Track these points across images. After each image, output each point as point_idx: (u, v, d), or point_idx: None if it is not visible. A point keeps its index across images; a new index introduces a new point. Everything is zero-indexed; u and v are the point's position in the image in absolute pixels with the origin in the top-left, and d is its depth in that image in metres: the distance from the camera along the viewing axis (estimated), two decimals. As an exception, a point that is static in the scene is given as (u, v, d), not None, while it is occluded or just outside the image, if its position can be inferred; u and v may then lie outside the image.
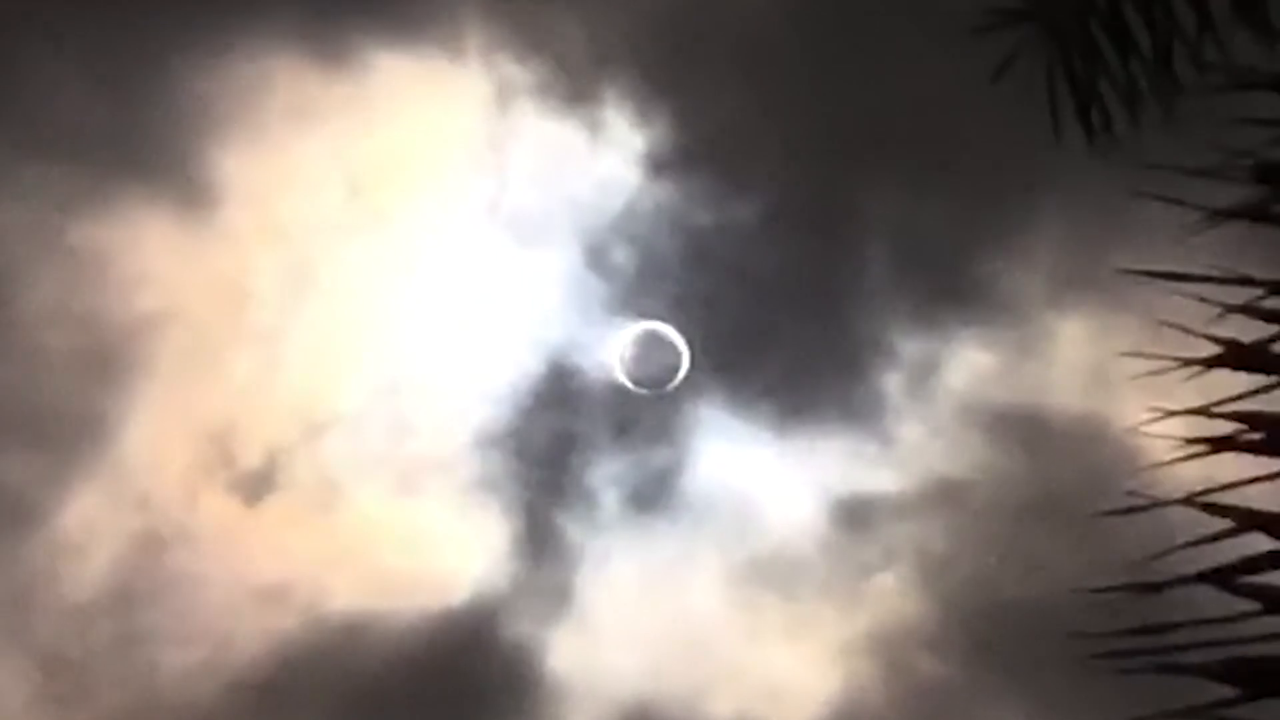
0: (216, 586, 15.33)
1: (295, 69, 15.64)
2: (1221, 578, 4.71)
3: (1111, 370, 14.94)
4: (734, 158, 15.44)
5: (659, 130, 15.69)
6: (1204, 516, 4.93)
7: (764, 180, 15.38)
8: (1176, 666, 4.63)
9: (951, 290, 15.35)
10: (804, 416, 15.50)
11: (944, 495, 15.24)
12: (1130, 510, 4.90)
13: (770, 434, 15.60)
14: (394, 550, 15.47)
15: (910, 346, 15.48)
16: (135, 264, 15.62)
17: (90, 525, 15.33)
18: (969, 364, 15.44)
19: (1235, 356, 4.96)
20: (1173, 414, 4.99)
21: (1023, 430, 15.20)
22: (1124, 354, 4.95)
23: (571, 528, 15.60)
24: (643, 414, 15.70)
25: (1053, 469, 14.98)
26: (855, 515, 15.43)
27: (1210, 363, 5.02)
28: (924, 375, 15.48)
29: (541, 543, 15.62)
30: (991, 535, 15.00)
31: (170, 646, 15.20)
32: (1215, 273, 4.94)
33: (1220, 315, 4.99)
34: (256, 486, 15.63)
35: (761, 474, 15.63)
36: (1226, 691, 4.65)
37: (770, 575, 15.43)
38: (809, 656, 15.28)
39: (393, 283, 15.90)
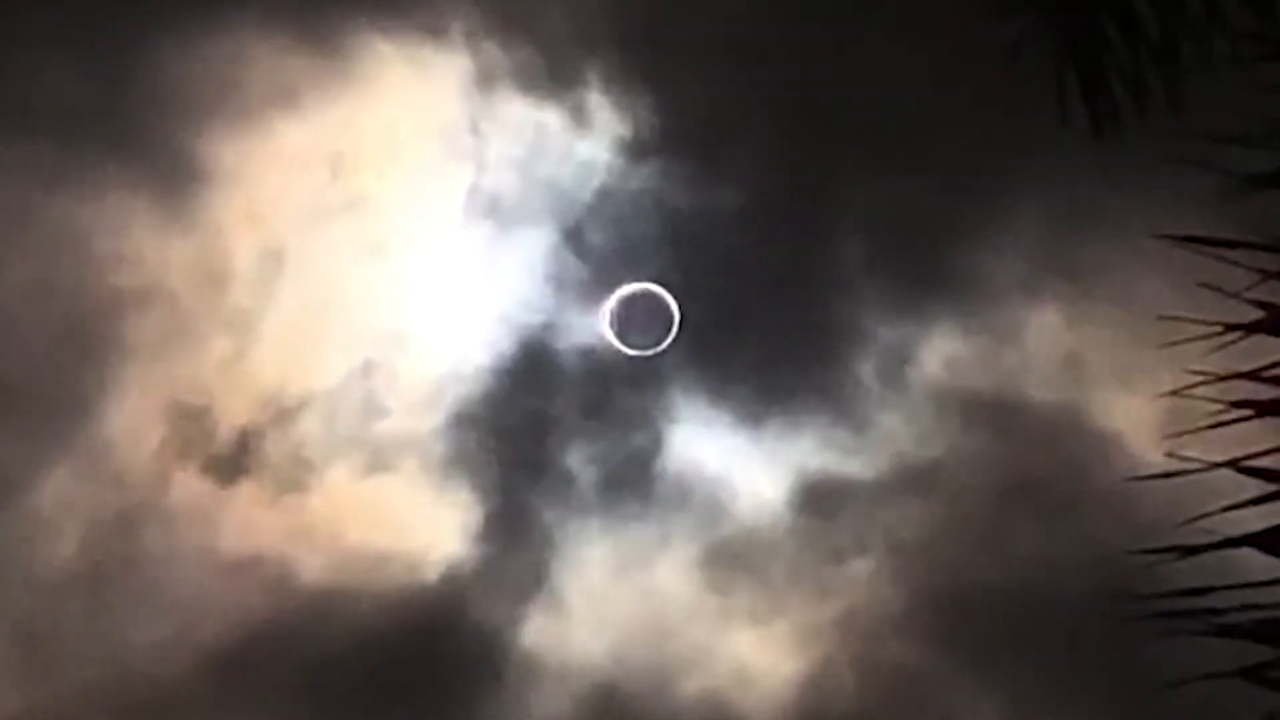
0: (188, 563, 15.32)
1: (277, 51, 15.59)
2: (1262, 540, 4.65)
3: (1087, 357, 14.97)
4: (714, 143, 15.47)
5: (640, 115, 15.69)
6: (1193, 493, 4.89)
7: (744, 166, 15.40)
8: (1222, 628, 4.57)
9: (928, 277, 15.37)
10: (779, 401, 15.50)
11: (918, 481, 15.27)
12: (1168, 475, 4.82)
13: (745, 418, 15.60)
14: (367, 529, 15.46)
15: (886, 333, 15.50)
16: (115, 243, 15.56)
17: (64, 501, 15.28)
18: (944, 350, 15.46)
19: (1270, 321, 4.90)
20: (1216, 379, 4.92)
21: (997, 417, 15.23)
22: (1161, 317, 4.87)
23: (544, 509, 15.59)
24: (617, 396, 15.68)
25: (1027, 455, 15.01)
26: (828, 500, 15.43)
27: (1244, 328, 4.96)
28: (899, 361, 15.50)
29: (514, 523, 15.62)
30: (965, 521, 15.01)
31: (141, 622, 15.14)
32: (1252, 238, 4.89)
33: (1259, 282, 4.93)
34: (231, 465, 15.61)
35: (735, 458, 15.65)
36: (1261, 652, 4.59)
37: (742, 559, 15.44)
38: (778, 640, 15.28)
39: (370, 264, 15.86)
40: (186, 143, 15.55)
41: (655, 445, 15.67)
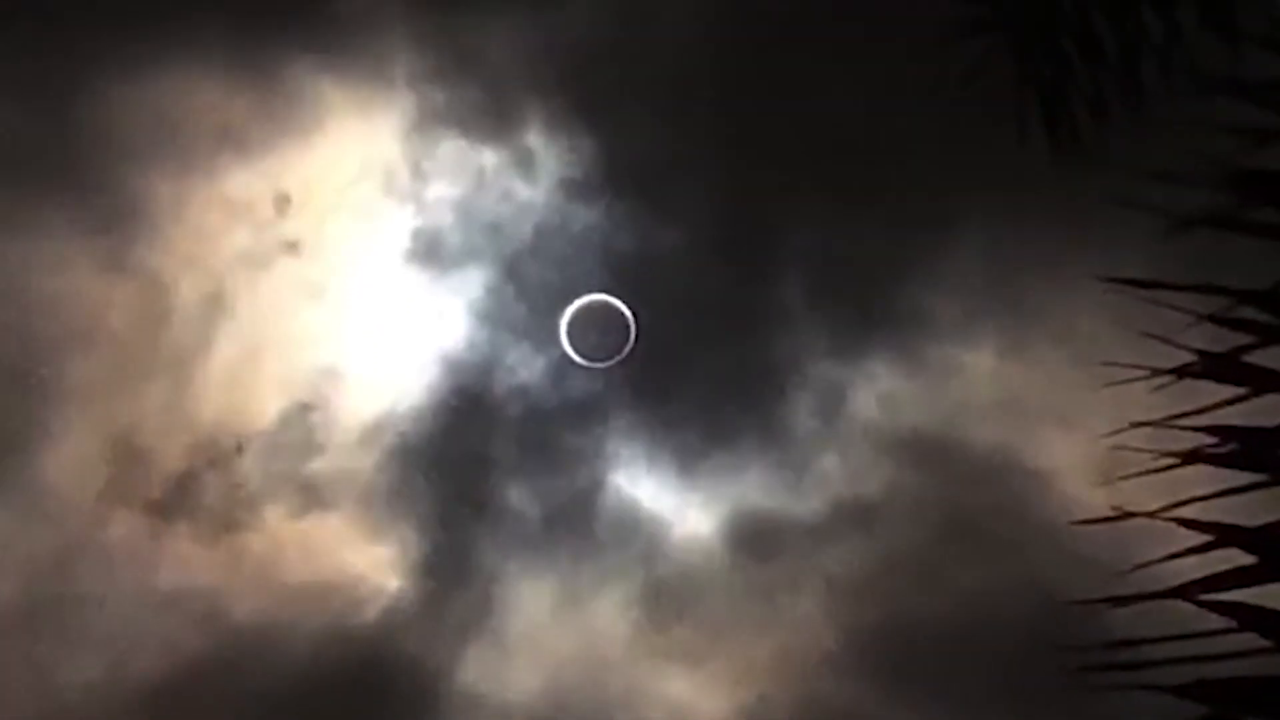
0: (125, 602, 15.14)
1: (220, 92, 15.48)
2: (1186, 592, 4.56)
3: (1024, 397, 14.96)
4: (655, 183, 15.43)
5: (581, 156, 15.65)
6: (1132, 535, 4.82)
7: (686, 207, 15.36)
8: (1149, 685, 4.47)
9: (868, 317, 15.34)
10: (719, 440, 15.46)
11: (855, 520, 15.21)
12: (1105, 520, 4.72)
13: (684, 456, 15.55)
14: (304, 567, 15.33)
15: (826, 372, 15.45)
16: (54, 283, 15.37)
17: (1, 541, 15.03)
18: (883, 390, 15.43)
19: (1208, 366, 4.81)
20: (1141, 425, 4.84)
21: (935, 455, 15.19)
22: (1102, 363, 4.78)
23: (482, 547, 15.49)
24: (557, 435, 15.61)
25: (965, 495, 14.97)
26: (766, 539, 15.37)
27: (1183, 372, 4.87)
28: (838, 400, 15.45)
29: (451, 561, 15.52)
30: (902, 560, 14.97)
31: (77, 660, 14.94)
32: (1192, 280, 4.80)
33: (1192, 324, 4.84)
34: (170, 504, 15.44)
35: (674, 496, 15.57)
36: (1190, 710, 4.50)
37: (680, 598, 15.36)
38: (716, 679, 15.21)
39: (310, 304, 15.75)
40: (128, 183, 15.44)
41: (594, 484, 15.62)
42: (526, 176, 15.74)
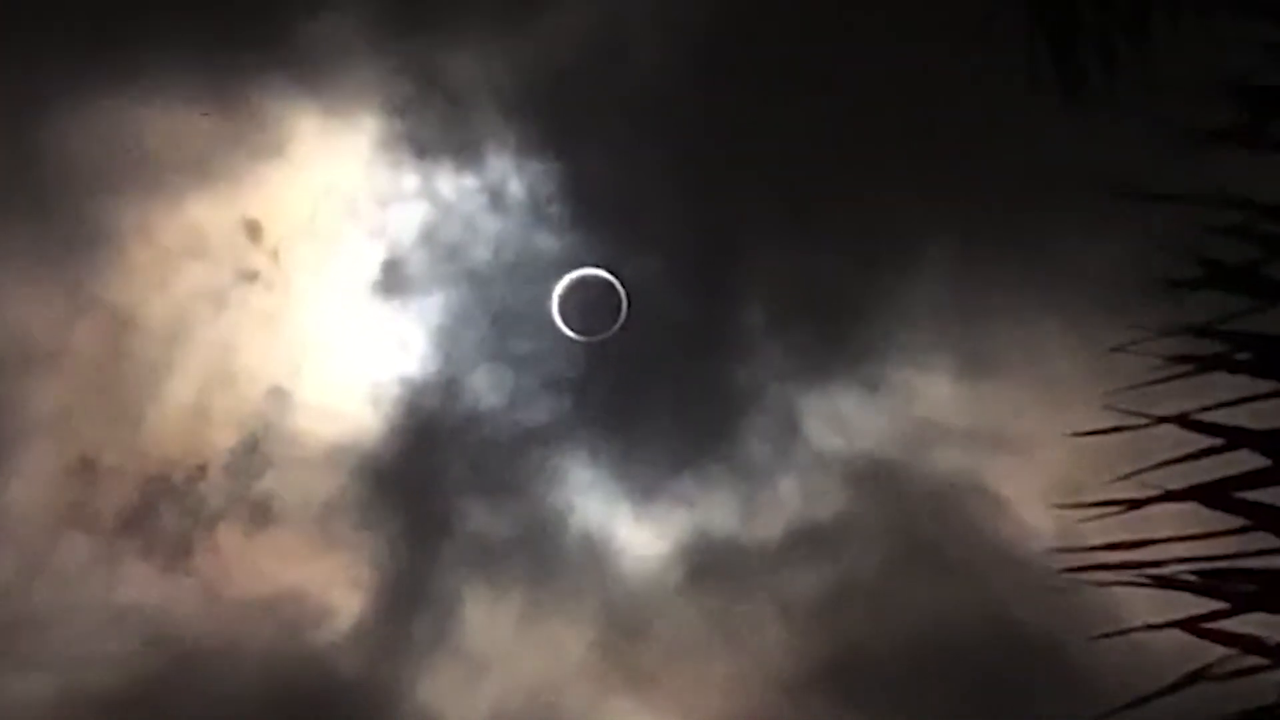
0: (78, 621, 14.92)
1: (187, 119, 15.37)
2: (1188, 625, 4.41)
3: (983, 424, 14.93)
4: (624, 210, 15.39)
5: (546, 183, 15.61)
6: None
7: (652, 233, 15.33)
8: None
9: (829, 343, 15.31)
10: (676, 464, 15.38)
11: (811, 545, 15.11)
12: (1108, 504, 4.55)
13: (643, 481, 15.44)
14: (261, 589, 15.20)
15: (785, 398, 15.38)
16: (16, 308, 15.21)
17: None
18: (841, 416, 15.37)
19: (1221, 277, 4.66)
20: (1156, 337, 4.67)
21: (893, 481, 15.12)
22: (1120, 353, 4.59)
23: (436, 571, 15.39)
24: (515, 461, 15.47)
25: (922, 520, 14.91)
26: (723, 563, 15.25)
27: (1197, 284, 4.72)
28: (795, 426, 15.37)
29: (405, 585, 15.38)
30: (858, 586, 14.89)
31: (26, 678, 14.67)
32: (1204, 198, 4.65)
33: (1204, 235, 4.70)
34: (127, 526, 15.23)
35: (629, 521, 15.47)
36: None
37: (634, 622, 15.23)
38: (670, 703, 15.07)
39: (272, 330, 15.61)
40: (92, 209, 15.31)
41: (550, 509, 15.49)
42: (492, 203, 15.71)
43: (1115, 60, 5.31)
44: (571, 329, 15.44)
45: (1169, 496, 4.52)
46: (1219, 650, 4.38)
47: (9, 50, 14.80)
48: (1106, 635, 4.62)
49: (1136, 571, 4.47)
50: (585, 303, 15.43)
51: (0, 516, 15.08)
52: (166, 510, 15.36)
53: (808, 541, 15.05)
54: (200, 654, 14.95)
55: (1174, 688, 4.30)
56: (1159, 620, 4.46)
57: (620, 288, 15.31)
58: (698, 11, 14.64)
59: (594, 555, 15.34)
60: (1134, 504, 4.54)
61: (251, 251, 15.62)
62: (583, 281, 15.40)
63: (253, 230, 15.60)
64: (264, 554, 15.34)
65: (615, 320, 15.33)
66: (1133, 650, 4.73)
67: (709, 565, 15.24)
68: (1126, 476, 4.47)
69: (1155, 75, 5.11)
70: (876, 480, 15.08)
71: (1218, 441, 4.55)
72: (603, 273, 15.37)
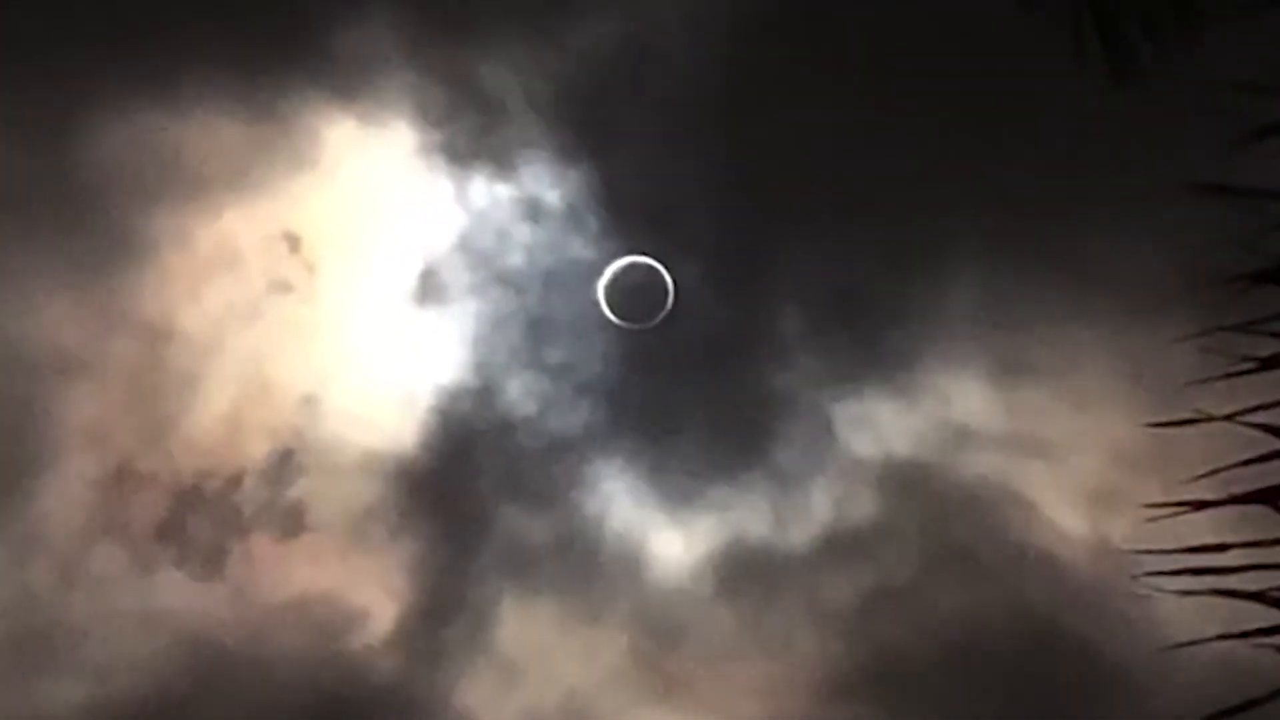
0: (113, 628, 14.97)
1: (225, 129, 15.40)
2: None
3: (1017, 429, 14.90)
4: (659, 217, 15.38)
5: (583, 191, 15.61)
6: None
7: (686, 239, 15.32)
8: None
9: (863, 348, 15.28)
10: (712, 471, 15.35)
11: (848, 549, 15.10)
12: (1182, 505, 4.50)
13: (679, 487, 15.42)
14: (294, 596, 15.19)
15: (819, 403, 15.36)
16: (54, 318, 15.24)
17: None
18: (875, 421, 15.35)
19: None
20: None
21: (927, 486, 15.10)
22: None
23: (472, 578, 15.35)
24: (554, 468, 15.47)
25: (956, 523, 14.89)
26: (759, 568, 15.23)
27: (1259, 278, 4.70)
28: (831, 431, 15.37)
29: (440, 593, 15.36)
30: (893, 588, 14.86)
31: (62, 683, 14.69)
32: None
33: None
34: (164, 532, 15.25)
35: (667, 527, 15.44)
36: None
37: (671, 627, 15.20)
38: (707, 708, 15.02)
39: (311, 338, 15.63)
40: (129, 221, 15.35)
41: (584, 515, 15.46)
42: (528, 211, 15.71)
43: (1163, 41, 5.30)
44: (616, 315, 15.46)
45: (1235, 500, 4.49)
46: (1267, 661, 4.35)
47: (48, 63, 14.86)
48: (1180, 645, 4.56)
49: (1196, 579, 4.43)
50: (631, 288, 15.41)
51: (37, 525, 15.10)
52: (201, 518, 15.38)
53: (842, 547, 15.04)
54: (234, 660, 14.95)
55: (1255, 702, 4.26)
56: (1230, 631, 4.41)
57: (666, 274, 15.32)
58: (732, 14, 14.66)
59: (628, 561, 15.33)
60: (1202, 505, 4.51)
61: (287, 261, 15.65)
62: (633, 267, 15.39)
63: (290, 240, 15.64)
64: (298, 561, 15.35)
65: (660, 311, 15.33)
66: (1164, 657, 4.68)
67: (743, 571, 15.23)
68: (1199, 478, 4.44)
69: (1205, 69, 5.10)
70: (911, 485, 15.07)
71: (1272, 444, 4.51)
72: (652, 261, 15.37)
